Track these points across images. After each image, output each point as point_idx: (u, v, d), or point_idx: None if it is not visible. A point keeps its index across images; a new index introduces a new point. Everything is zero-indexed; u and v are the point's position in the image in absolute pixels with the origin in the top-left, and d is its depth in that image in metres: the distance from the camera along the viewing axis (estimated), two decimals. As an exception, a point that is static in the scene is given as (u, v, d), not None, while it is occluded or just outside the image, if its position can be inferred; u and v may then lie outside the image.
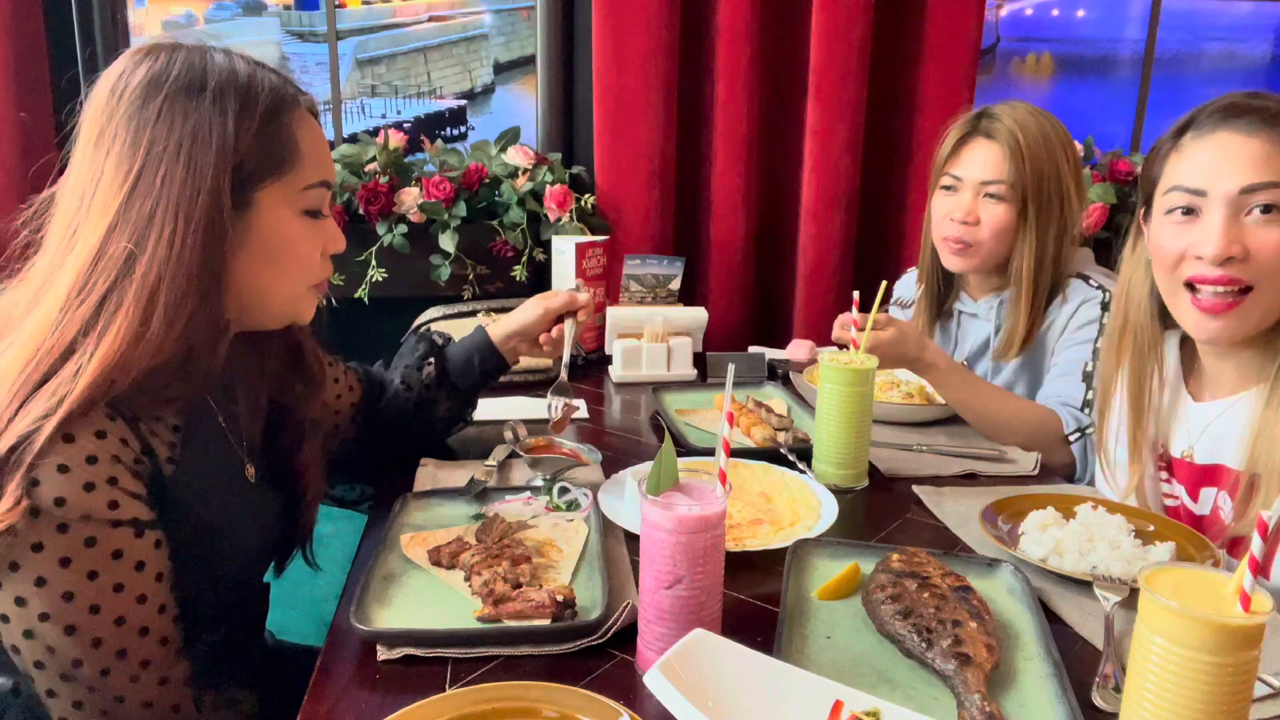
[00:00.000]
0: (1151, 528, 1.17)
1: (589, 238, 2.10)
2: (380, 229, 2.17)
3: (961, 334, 1.89)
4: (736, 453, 1.41)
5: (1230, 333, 1.20)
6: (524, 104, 2.58)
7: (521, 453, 1.36)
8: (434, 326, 2.02)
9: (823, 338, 1.96)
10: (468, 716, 0.79)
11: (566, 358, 1.45)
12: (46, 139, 2.09)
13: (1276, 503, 1.10)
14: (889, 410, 1.63)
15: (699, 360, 1.97)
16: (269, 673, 1.15)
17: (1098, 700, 0.87)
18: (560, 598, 0.96)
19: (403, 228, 2.17)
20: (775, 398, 1.75)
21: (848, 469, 1.36)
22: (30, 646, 0.85)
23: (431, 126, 2.71)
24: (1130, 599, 1.01)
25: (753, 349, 2.13)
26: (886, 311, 1.57)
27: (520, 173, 2.23)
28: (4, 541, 0.82)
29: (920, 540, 1.20)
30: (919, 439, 1.56)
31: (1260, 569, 0.69)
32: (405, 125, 2.68)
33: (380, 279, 2.18)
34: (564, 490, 1.26)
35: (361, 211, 2.16)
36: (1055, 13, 2.92)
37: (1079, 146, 2.25)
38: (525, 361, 1.49)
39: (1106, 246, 2.35)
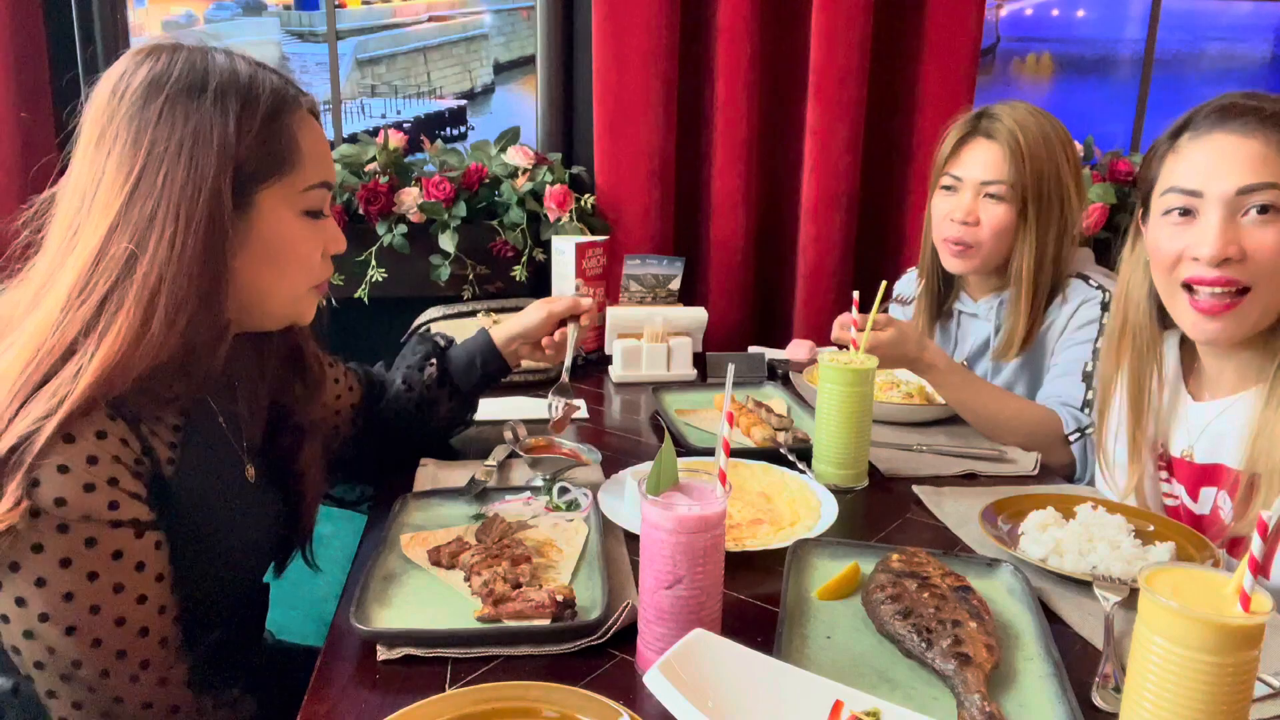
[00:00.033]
0: (1151, 528, 1.17)
1: (589, 238, 2.10)
2: (380, 229, 2.17)
3: (961, 334, 1.89)
4: (736, 453, 1.41)
5: (1228, 334, 1.20)
6: (524, 104, 2.58)
7: (521, 453, 1.36)
8: (434, 327, 2.03)
9: (823, 338, 1.96)
10: (468, 716, 0.79)
11: (568, 362, 1.45)
12: (47, 139, 2.09)
13: (1276, 503, 1.10)
14: (889, 410, 1.63)
15: (699, 360, 1.98)
16: (269, 673, 1.15)
17: (1098, 700, 0.87)
18: (560, 598, 0.96)
19: (403, 228, 2.17)
20: (775, 398, 1.75)
21: (848, 469, 1.36)
22: (30, 647, 0.85)
23: (431, 126, 2.70)
24: (1130, 599, 1.01)
25: (753, 349, 2.13)
26: (886, 311, 1.57)
27: (520, 173, 2.23)
28: (4, 542, 0.82)
29: (920, 540, 1.20)
30: (919, 439, 1.56)
31: (1260, 569, 0.69)
32: (405, 125, 2.67)
33: (380, 279, 2.18)
34: (564, 490, 1.26)
35: (361, 211, 2.16)
36: (1055, 13, 2.92)
37: (1079, 146, 2.25)
38: (526, 362, 1.50)
39: (1106, 246, 2.35)
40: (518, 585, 1.00)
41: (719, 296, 2.35)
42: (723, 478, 0.90)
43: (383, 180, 2.16)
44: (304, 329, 1.12)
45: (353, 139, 2.31)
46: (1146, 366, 1.33)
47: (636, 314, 1.96)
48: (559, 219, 2.21)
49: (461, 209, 2.18)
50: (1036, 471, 1.45)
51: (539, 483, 1.30)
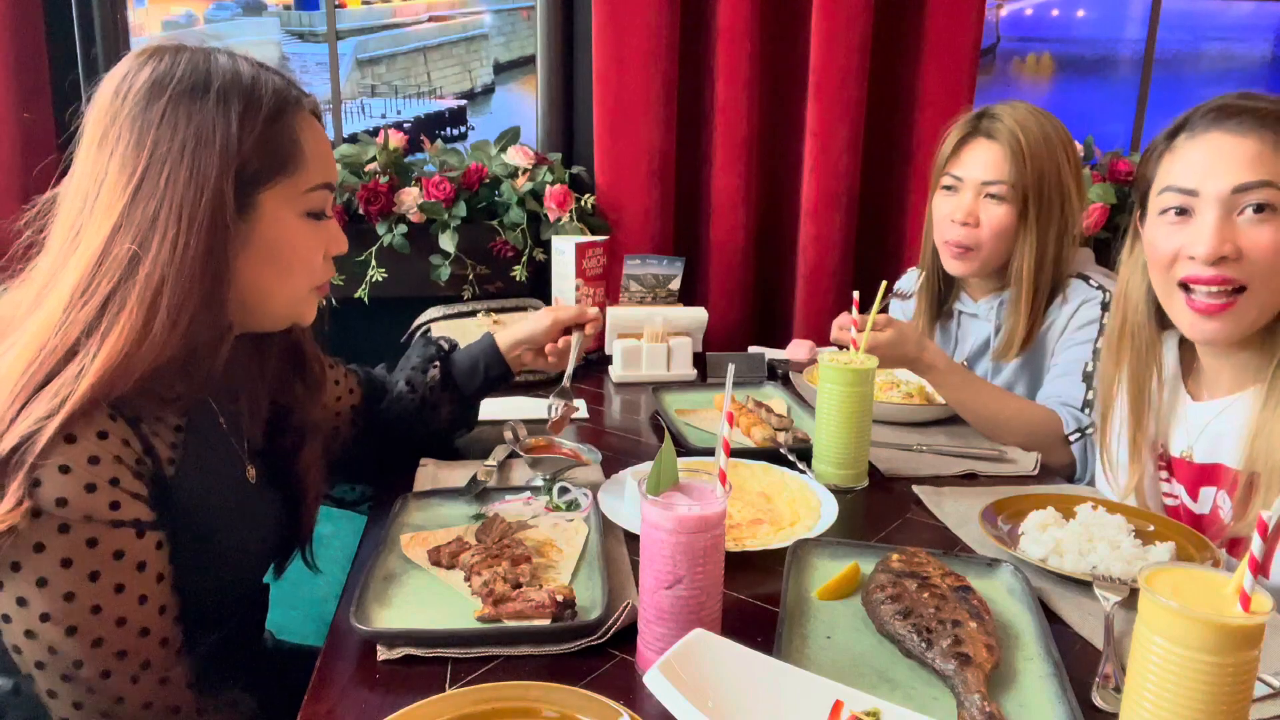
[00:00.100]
0: (1151, 528, 1.17)
1: (589, 238, 2.10)
2: (380, 229, 2.17)
3: (961, 334, 1.89)
4: (736, 453, 1.41)
5: (1225, 333, 1.20)
6: (524, 104, 2.58)
7: (521, 453, 1.36)
8: (434, 327, 2.03)
9: (822, 338, 1.96)
10: (468, 716, 0.79)
11: (571, 369, 1.46)
12: (48, 139, 2.09)
13: (1276, 503, 1.10)
14: (889, 410, 1.63)
15: (699, 360, 1.98)
16: (269, 673, 1.16)
17: (1098, 700, 0.87)
18: (560, 598, 0.96)
19: (403, 228, 2.17)
20: (775, 398, 1.75)
21: (848, 469, 1.36)
22: (31, 647, 0.85)
23: (431, 126, 2.70)
24: (1130, 599, 1.01)
25: (753, 349, 2.13)
26: (886, 310, 1.57)
27: (520, 173, 2.23)
28: (5, 542, 0.82)
29: (920, 540, 1.20)
30: (919, 439, 1.56)
31: (1260, 569, 0.69)
32: (405, 125, 2.67)
33: (380, 279, 2.18)
34: (564, 490, 1.26)
35: (361, 211, 2.16)
36: (1055, 13, 2.92)
37: (1079, 146, 2.25)
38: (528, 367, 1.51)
39: (1106, 246, 2.35)
40: (518, 585, 1.00)
41: (719, 296, 2.35)
42: (723, 478, 0.90)
43: (383, 180, 2.16)
44: (305, 330, 1.13)
45: (353, 139, 2.31)
46: (1146, 367, 1.33)
47: (636, 314, 1.96)
48: (559, 219, 2.21)
49: (461, 209, 2.18)
50: (1036, 471, 1.45)
51: (539, 483, 1.30)
